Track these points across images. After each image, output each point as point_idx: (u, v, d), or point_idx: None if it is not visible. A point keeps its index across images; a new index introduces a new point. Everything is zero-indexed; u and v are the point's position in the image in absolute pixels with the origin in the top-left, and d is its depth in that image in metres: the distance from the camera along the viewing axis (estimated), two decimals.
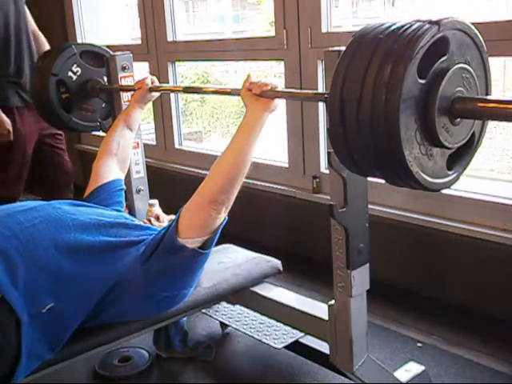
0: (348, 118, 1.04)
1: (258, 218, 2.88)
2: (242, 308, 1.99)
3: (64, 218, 1.51)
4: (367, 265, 1.44)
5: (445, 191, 2.28)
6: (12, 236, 1.39)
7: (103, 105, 2.32)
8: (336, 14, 2.55)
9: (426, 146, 1.06)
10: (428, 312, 2.19)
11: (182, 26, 3.54)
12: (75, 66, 2.21)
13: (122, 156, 1.94)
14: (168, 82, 3.25)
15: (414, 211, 2.29)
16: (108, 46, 2.39)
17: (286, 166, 2.78)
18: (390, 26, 1.04)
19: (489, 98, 1.13)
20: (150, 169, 2.25)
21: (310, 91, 1.60)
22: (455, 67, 1.05)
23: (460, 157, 1.16)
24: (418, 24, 1.01)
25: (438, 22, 1.00)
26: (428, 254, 2.29)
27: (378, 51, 1.01)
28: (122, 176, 1.92)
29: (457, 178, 1.17)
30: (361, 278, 1.43)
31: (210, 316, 2.04)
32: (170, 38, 3.22)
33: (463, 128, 1.11)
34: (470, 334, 2.04)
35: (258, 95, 1.47)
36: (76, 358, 1.48)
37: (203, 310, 1.97)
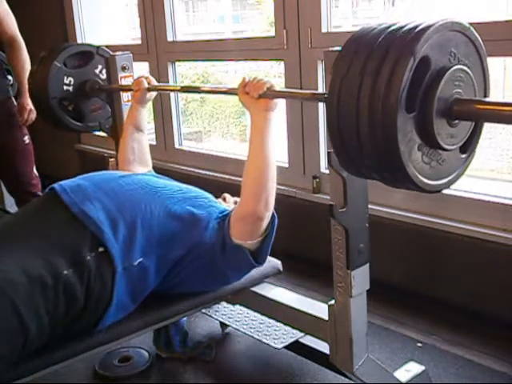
0: (347, 120, 1.04)
1: None
2: (242, 308, 1.99)
3: (157, 186, 1.65)
4: (367, 265, 1.44)
5: (445, 191, 2.27)
6: (115, 197, 1.54)
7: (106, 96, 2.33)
8: (336, 14, 2.55)
9: (424, 148, 1.06)
10: (428, 312, 2.19)
11: (182, 26, 3.54)
12: (65, 77, 2.21)
13: (141, 158, 2.00)
14: (168, 82, 3.25)
15: (414, 211, 2.29)
16: (108, 46, 2.39)
17: (286, 166, 2.78)
18: (386, 28, 1.03)
19: (487, 99, 1.12)
20: None
21: (309, 91, 1.59)
22: (445, 77, 1.03)
23: (466, 149, 1.16)
24: (396, 54, 0.99)
25: (412, 51, 0.98)
26: (428, 254, 2.29)
27: (376, 53, 1.01)
28: (151, 167, 2.01)
29: (456, 178, 1.17)
30: (361, 278, 1.43)
31: (210, 316, 2.04)
32: (169, 38, 3.22)
33: (462, 129, 1.10)
34: (469, 334, 2.04)
35: (257, 98, 1.48)
36: (76, 357, 1.48)
37: (203, 310, 1.97)
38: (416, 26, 1.01)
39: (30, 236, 1.44)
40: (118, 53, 2.21)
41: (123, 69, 2.19)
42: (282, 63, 2.68)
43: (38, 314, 1.32)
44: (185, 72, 4.66)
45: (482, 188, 2.21)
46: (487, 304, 2.10)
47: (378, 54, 1.01)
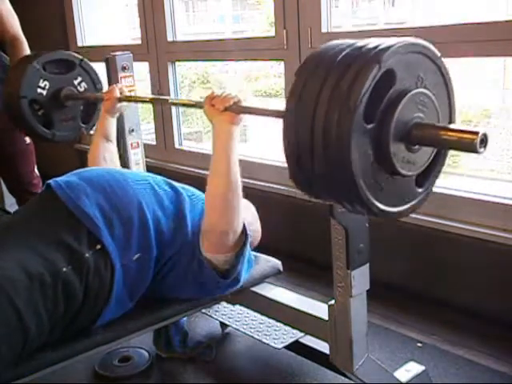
0: (302, 132, 1.02)
1: None
2: (242, 308, 1.99)
3: (150, 182, 1.65)
4: (367, 265, 1.44)
5: (444, 191, 2.28)
6: (112, 192, 1.54)
7: (81, 108, 2.31)
8: (336, 14, 2.55)
9: (377, 166, 1.03)
10: (428, 312, 2.19)
11: (182, 26, 3.54)
12: (41, 80, 2.18)
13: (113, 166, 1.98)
14: (168, 82, 3.25)
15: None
16: (108, 46, 2.39)
17: (286, 165, 2.78)
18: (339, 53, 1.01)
19: (446, 125, 1.09)
20: (150, 169, 2.25)
21: (274, 109, 1.47)
22: (408, 95, 1.01)
23: (422, 181, 1.14)
24: (358, 62, 0.97)
25: (378, 59, 0.96)
26: (428, 254, 2.29)
27: (338, 65, 0.99)
28: None
29: (410, 211, 1.14)
30: (361, 278, 1.43)
31: (210, 316, 2.04)
32: (170, 38, 3.22)
33: (421, 157, 1.08)
34: (470, 334, 2.03)
35: (222, 110, 1.49)
36: (76, 357, 1.47)
37: (203, 310, 1.97)
38: (383, 42, 0.99)
39: (29, 233, 1.44)
40: (117, 53, 2.21)
41: (123, 69, 2.19)
42: (282, 63, 2.68)
43: (37, 312, 1.32)
44: (185, 72, 4.65)
45: (481, 188, 2.21)
46: (487, 304, 2.10)
47: (340, 65, 0.99)
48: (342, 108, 0.95)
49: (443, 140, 1.03)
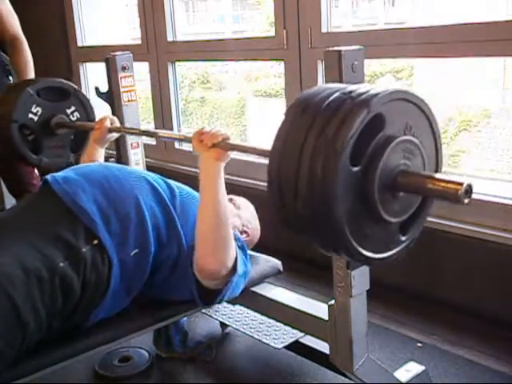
0: (287, 183, 1.02)
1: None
2: (242, 308, 1.99)
3: (148, 180, 1.65)
4: None
5: None
6: (109, 188, 1.54)
7: (72, 136, 2.31)
8: (336, 14, 2.56)
9: (366, 220, 1.03)
10: (428, 312, 2.19)
11: (182, 26, 3.55)
12: (34, 106, 2.17)
13: None
14: (168, 82, 3.26)
15: None
16: (108, 46, 2.39)
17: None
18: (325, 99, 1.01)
19: (431, 174, 1.08)
20: (150, 169, 2.24)
21: (261, 148, 1.46)
22: (395, 141, 1.01)
23: (408, 227, 1.14)
24: (347, 106, 0.97)
25: (367, 103, 0.96)
26: (428, 254, 2.29)
27: (326, 108, 0.99)
28: None
29: (391, 257, 1.13)
30: (361, 278, 1.43)
31: (210, 316, 2.04)
32: (170, 38, 3.22)
33: (405, 205, 1.08)
34: (470, 334, 2.03)
35: (210, 146, 1.51)
36: (76, 357, 1.47)
37: (203, 310, 1.97)
38: (373, 88, 1.00)
39: (26, 229, 1.44)
40: (117, 53, 2.21)
41: (123, 69, 2.19)
42: (282, 63, 2.69)
43: (35, 307, 1.32)
44: (185, 72, 4.66)
45: (481, 188, 2.21)
46: (487, 304, 2.10)
47: (329, 108, 0.98)
48: (329, 149, 0.95)
49: (428, 189, 1.03)
